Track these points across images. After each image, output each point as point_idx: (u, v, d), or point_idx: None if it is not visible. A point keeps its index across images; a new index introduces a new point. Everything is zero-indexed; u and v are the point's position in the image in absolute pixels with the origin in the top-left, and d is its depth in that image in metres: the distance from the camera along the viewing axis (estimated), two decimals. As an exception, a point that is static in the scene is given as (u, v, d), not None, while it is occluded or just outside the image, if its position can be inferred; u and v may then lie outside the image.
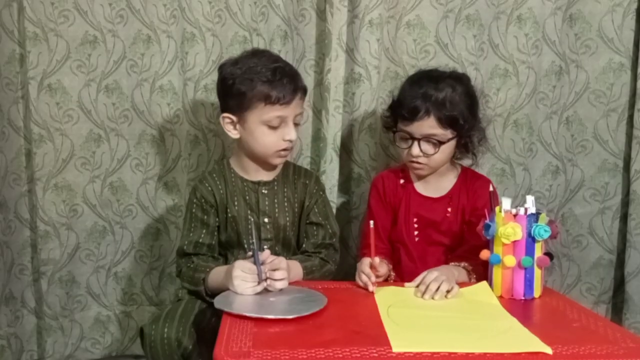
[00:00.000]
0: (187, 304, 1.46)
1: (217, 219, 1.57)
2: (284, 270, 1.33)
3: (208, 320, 1.42)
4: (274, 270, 1.32)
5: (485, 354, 1.01)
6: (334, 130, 1.83)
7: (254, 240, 1.32)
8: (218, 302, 1.22)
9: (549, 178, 1.95)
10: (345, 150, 1.90)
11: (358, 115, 1.87)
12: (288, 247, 1.61)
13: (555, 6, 1.85)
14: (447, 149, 1.55)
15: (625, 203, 1.94)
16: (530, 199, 1.35)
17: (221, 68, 1.55)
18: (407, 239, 1.63)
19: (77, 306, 1.94)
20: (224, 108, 1.54)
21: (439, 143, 1.53)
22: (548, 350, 1.02)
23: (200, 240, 1.55)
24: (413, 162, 1.57)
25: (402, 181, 1.66)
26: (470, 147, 1.61)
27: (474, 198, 1.60)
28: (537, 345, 1.04)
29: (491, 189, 1.47)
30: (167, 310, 1.43)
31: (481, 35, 1.86)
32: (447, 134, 1.53)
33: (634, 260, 1.90)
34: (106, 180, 1.91)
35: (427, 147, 1.54)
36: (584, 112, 1.92)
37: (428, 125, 1.51)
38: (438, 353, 1.01)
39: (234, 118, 1.51)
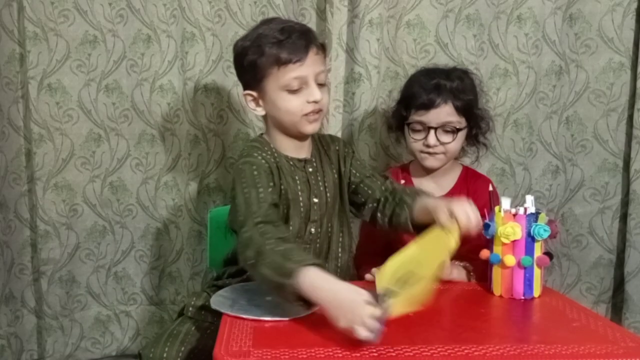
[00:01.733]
0: (191, 326, 1.38)
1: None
2: None
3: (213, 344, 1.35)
4: None
5: (485, 353, 1.01)
6: (334, 130, 1.83)
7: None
8: (215, 303, 1.22)
9: (549, 178, 1.95)
10: (345, 150, 1.91)
11: (358, 115, 1.87)
12: (332, 223, 1.46)
13: (555, 6, 1.86)
14: (462, 137, 1.57)
15: (625, 203, 1.94)
16: (529, 199, 1.35)
17: (234, 46, 1.43)
18: (409, 239, 1.62)
19: (77, 306, 1.94)
20: (244, 86, 1.42)
21: (456, 130, 1.54)
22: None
23: (271, 200, 1.29)
24: (428, 152, 1.57)
25: (402, 181, 1.66)
26: (481, 137, 1.62)
27: (475, 197, 1.60)
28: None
29: (491, 188, 1.47)
30: (169, 332, 1.37)
31: (481, 35, 1.86)
32: (462, 121, 1.55)
33: (633, 259, 1.90)
34: (106, 180, 1.91)
35: (444, 136, 1.55)
36: (584, 111, 1.92)
37: (445, 112, 1.53)
38: (437, 352, 1.00)
39: (255, 93, 1.38)
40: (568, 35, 1.89)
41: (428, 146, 1.55)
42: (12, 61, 1.82)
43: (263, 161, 1.35)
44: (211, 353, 1.34)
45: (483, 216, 1.39)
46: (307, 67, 1.33)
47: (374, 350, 1.01)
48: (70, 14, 1.81)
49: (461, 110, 1.54)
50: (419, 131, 1.57)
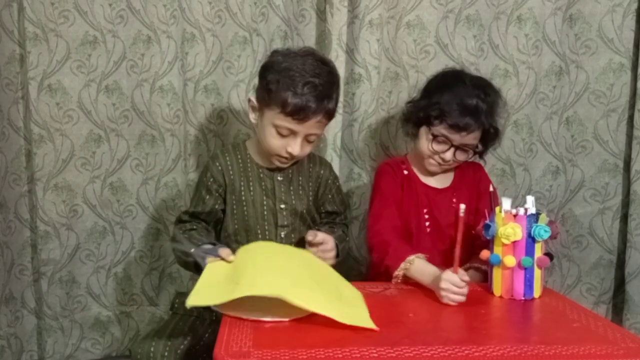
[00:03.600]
0: (179, 321, 1.47)
1: (220, 202, 1.54)
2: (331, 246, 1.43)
3: (200, 337, 1.42)
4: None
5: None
6: (334, 131, 1.83)
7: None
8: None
9: (549, 178, 1.95)
10: (345, 150, 1.91)
11: (358, 115, 1.87)
12: (303, 233, 1.56)
13: (555, 6, 1.86)
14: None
15: (626, 203, 1.94)
16: (530, 199, 1.35)
17: (273, 52, 1.51)
18: (418, 230, 1.61)
19: (77, 306, 1.94)
20: (256, 90, 1.51)
21: (473, 151, 1.57)
22: (373, 325, 1.11)
23: (198, 212, 1.54)
24: (437, 162, 1.58)
25: (405, 172, 1.65)
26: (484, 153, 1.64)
27: (476, 182, 1.64)
28: (365, 321, 1.12)
29: (491, 188, 1.47)
30: (157, 328, 1.44)
31: (481, 35, 1.86)
32: (480, 143, 1.58)
33: (634, 260, 1.90)
34: (106, 181, 1.91)
35: (461, 155, 1.56)
36: (584, 112, 1.92)
37: (473, 137, 1.54)
38: (437, 352, 1.00)
39: (256, 105, 1.48)
40: (568, 35, 1.89)
41: (443, 159, 1.56)
42: (12, 62, 1.81)
43: (216, 172, 1.53)
44: (197, 345, 1.39)
45: (488, 199, 1.41)
46: (303, 127, 1.43)
47: (374, 351, 1.01)
48: (71, 15, 1.81)
49: (485, 134, 1.56)
50: (440, 143, 1.56)
